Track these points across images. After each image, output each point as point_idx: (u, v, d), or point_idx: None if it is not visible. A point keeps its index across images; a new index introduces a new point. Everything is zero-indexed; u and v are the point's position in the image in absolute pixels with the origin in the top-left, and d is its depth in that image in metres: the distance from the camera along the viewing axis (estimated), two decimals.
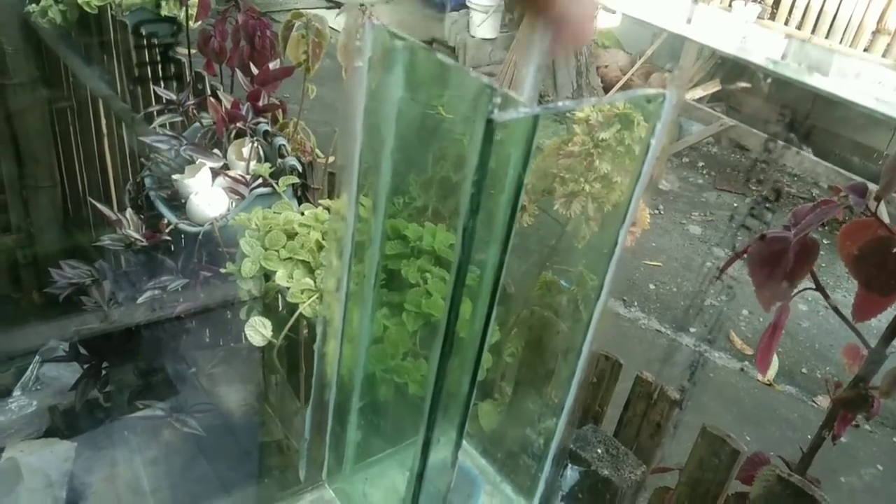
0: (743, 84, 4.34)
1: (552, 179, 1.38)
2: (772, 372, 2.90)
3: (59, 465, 1.52)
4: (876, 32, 3.15)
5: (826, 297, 0.89)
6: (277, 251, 1.00)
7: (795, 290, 0.91)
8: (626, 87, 4.61)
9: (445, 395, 0.49)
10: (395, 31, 0.41)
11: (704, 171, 4.38)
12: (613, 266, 0.53)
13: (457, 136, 0.45)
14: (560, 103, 0.39)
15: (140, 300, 1.15)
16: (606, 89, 4.69)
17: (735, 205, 4.19)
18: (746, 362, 2.98)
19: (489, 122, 0.35)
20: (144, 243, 1.14)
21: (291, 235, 1.03)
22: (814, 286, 0.89)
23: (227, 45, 1.64)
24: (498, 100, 0.35)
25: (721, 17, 3.64)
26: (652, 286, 3.42)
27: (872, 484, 2.38)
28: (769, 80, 3.68)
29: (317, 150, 1.66)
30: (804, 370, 2.96)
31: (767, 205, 4.22)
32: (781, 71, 2.72)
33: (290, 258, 1.00)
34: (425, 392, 0.50)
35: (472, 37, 5.18)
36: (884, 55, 3.15)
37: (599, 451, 0.73)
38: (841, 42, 3.22)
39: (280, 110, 1.57)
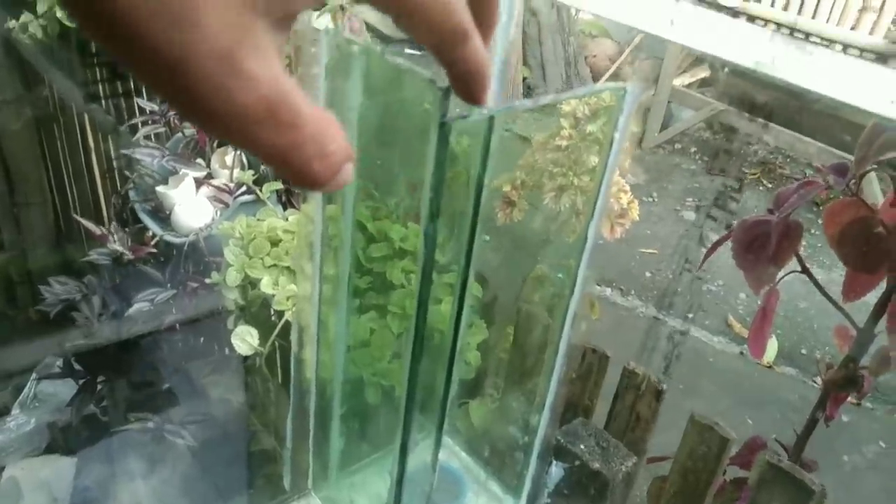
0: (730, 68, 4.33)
1: (540, 174, 1.38)
2: (771, 354, 2.90)
3: (62, 481, 1.53)
4: (862, 10, 3.14)
5: (812, 278, 0.89)
6: (262, 258, 1.00)
7: (782, 273, 0.91)
8: (615, 75, 4.60)
9: (422, 396, 0.49)
10: (350, 37, 0.40)
11: (697, 157, 4.38)
12: (586, 258, 0.53)
13: (416, 141, 0.44)
14: (517, 102, 0.39)
15: (129, 313, 1.14)
16: (596, 78, 4.68)
17: (728, 188, 4.19)
18: (745, 346, 2.97)
19: (442, 126, 0.35)
20: (131, 257, 1.14)
21: (276, 242, 1.03)
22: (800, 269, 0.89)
23: None
24: (449, 102, 0.35)
25: (705, 17, 3.63)
26: (648, 274, 3.42)
27: (876, 461, 2.38)
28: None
29: None
30: (804, 351, 2.96)
31: (761, 187, 4.22)
32: (765, 71, 2.72)
33: (274, 265, 1.00)
34: (404, 393, 0.49)
35: None
36: (871, 32, 3.15)
37: (589, 444, 0.73)
38: (828, 21, 3.22)
39: None
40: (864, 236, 0.79)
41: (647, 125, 4.10)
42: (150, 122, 1.52)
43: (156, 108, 1.55)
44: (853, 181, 0.78)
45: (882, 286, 0.89)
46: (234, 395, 1.13)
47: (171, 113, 1.50)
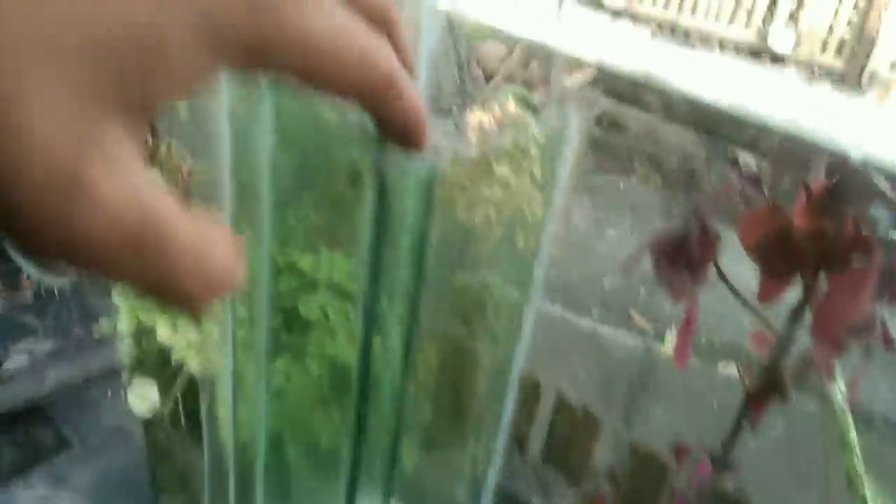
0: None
1: (451, 188, 1.33)
2: (671, 346, 2.99)
3: None
4: (736, 6, 3.30)
5: (730, 286, 0.89)
6: None
7: (702, 283, 0.91)
8: (506, 76, 4.65)
9: (366, 452, 0.43)
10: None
11: (588, 155, 4.48)
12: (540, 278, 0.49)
13: (344, 193, 0.39)
14: (459, 146, 0.34)
15: (4, 367, 1.02)
16: (488, 79, 4.71)
17: (621, 184, 4.31)
18: (649, 339, 3.06)
19: (379, 178, 0.30)
20: (2, 300, 1.01)
21: None
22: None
23: None
24: (385, 151, 0.30)
25: (589, 19, 3.72)
26: (553, 272, 3.46)
27: (776, 447, 2.49)
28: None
29: (195, 170, 1.55)
30: (702, 339, 3.08)
31: (651, 182, 4.37)
32: (646, 74, 2.81)
33: None
34: (340, 449, 0.44)
35: None
36: (746, 27, 3.31)
37: (527, 479, 0.70)
38: (706, 17, 3.36)
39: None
40: (780, 245, 0.80)
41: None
42: None
43: None
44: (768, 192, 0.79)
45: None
46: (137, 461, 1.03)
47: None
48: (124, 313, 0.90)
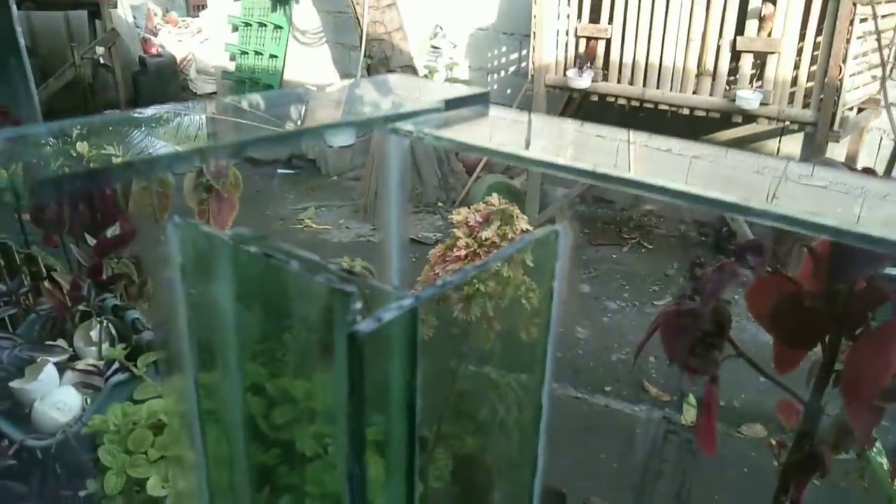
0: None
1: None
2: (692, 413, 2.90)
3: None
4: (699, 75, 3.38)
5: (750, 361, 0.84)
6: (145, 453, 0.85)
7: (718, 359, 0.86)
8: (487, 166, 4.71)
9: None
10: (208, 230, 0.31)
11: (578, 230, 4.49)
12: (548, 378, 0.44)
13: (311, 351, 0.35)
14: (440, 282, 0.30)
15: None
16: (469, 171, 4.77)
17: (614, 256, 4.30)
18: (667, 409, 2.97)
19: (352, 337, 0.26)
20: None
21: (160, 428, 0.88)
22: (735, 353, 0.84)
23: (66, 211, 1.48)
24: (358, 306, 0.26)
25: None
26: (559, 354, 3.39)
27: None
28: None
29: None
30: (722, 402, 2.99)
31: (642, 249, 4.37)
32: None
33: (162, 457, 0.85)
34: None
35: (330, 147, 5.18)
36: (711, 94, 3.37)
37: None
38: (671, 89, 3.43)
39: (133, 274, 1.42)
40: (794, 312, 0.76)
41: (526, 208, 4.18)
42: None
43: (2, 287, 1.37)
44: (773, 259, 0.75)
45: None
46: None
47: (22, 290, 1.33)
48: (112, 471, 0.84)
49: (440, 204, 4.72)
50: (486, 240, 1.29)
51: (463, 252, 1.30)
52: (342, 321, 0.26)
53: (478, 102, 0.32)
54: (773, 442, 0.92)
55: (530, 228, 1.38)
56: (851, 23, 2.92)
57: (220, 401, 0.42)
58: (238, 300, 0.31)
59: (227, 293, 0.31)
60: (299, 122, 0.39)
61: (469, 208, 1.32)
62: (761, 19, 3.17)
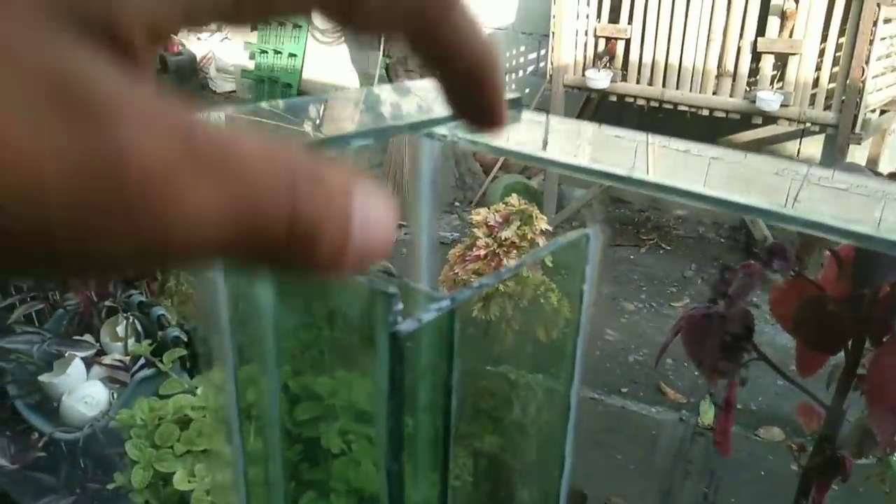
0: None
1: (463, 286, 1.29)
2: (710, 416, 2.89)
3: None
4: (719, 76, 3.36)
5: (772, 365, 0.84)
6: (171, 447, 0.86)
7: (739, 363, 0.87)
8: (504, 166, 4.71)
9: None
10: None
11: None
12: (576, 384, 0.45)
13: (354, 349, 0.36)
14: (476, 283, 0.31)
15: None
16: (486, 172, 4.78)
17: (631, 257, 4.29)
18: (684, 411, 2.96)
19: (394, 338, 0.27)
20: (13, 468, 0.97)
21: (186, 423, 0.90)
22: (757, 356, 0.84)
23: None
24: (399, 307, 0.27)
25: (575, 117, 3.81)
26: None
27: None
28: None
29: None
30: (739, 405, 2.97)
31: (661, 251, 4.35)
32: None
33: (188, 451, 0.87)
34: None
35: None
36: (731, 95, 3.35)
37: None
38: (691, 90, 3.41)
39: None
40: (818, 316, 0.76)
41: (543, 209, 4.18)
42: (27, 299, 1.37)
43: (30, 283, 1.40)
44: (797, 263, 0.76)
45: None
46: None
47: (49, 286, 1.35)
48: (139, 465, 0.85)
49: (457, 203, 4.72)
50: (506, 240, 1.30)
51: (483, 252, 1.31)
52: (384, 321, 0.27)
53: (511, 108, 0.33)
54: (793, 445, 0.92)
55: (549, 229, 1.38)
56: (875, 24, 2.89)
57: (258, 397, 0.43)
58: (278, 297, 0.32)
59: (267, 291, 0.32)
60: (321, 126, 0.40)
61: (488, 208, 1.32)
62: (783, 16, 3.15)
